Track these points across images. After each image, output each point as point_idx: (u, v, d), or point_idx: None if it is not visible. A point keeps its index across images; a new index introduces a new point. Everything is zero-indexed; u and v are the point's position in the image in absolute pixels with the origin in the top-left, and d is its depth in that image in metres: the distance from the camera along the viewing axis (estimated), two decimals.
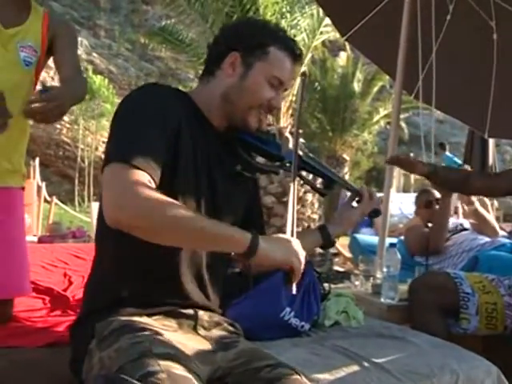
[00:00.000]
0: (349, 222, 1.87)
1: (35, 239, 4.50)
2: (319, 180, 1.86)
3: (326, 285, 2.27)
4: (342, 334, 2.08)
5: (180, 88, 1.64)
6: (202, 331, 1.46)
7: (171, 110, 1.42)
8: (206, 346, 1.42)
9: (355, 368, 1.75)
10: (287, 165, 1.62)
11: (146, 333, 1.32)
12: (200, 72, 1.64)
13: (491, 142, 6.38)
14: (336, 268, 7.23)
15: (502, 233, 4.08)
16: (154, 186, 1.30)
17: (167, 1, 7.71)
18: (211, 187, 1.50)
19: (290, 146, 1.68)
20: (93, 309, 1.45)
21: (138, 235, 1.28)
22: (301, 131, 7.98)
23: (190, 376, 1.22)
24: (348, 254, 6.48)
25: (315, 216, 7.28)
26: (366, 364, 1.78)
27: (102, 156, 1.46)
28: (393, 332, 2.12)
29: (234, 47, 1.52)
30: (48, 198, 7.89)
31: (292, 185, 1.55)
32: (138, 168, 1.28)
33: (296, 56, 1.57)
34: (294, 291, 1.46)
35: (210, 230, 1.31)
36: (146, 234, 1.29)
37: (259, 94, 1.53)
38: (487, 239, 3.53)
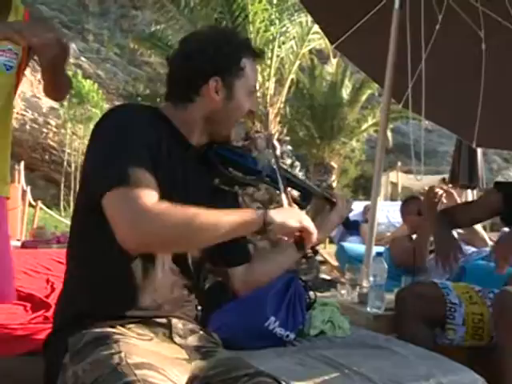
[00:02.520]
0: (327, 229, 1.86)
1: (18, 244, 4.44)
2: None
3: (311, 293, 2.25)
4: (328, 344, 2.07)
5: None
6: (177, 339, 1.45)
7: (149, 129, 1.43)
8: (183, 354, 1.42)
9: (340, 378, 1.74)
10: (265, 178, 1.63)
11: (121, 343, 1.31)
12: None
13: (479, 151, 6.40)
14: (322, 276, 7.21)
15: (488, 242, 4.08)
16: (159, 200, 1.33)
17: (157, 6, 7.72)
18: (190, 203, 1.45)
19: (267, 159, 1.70)
20: (65, 322, 1.44)
21: (165, 251, 1.39)
22: (288, 138, 7.95)
23: (164, 376, 1.23)
24: (334, 263, 6.47)
25: None
26: (350, 374, 1.76)
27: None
28: (378, 342, 2.11)
29: (212, 72, 1.51)
30: (33, 203, 7.84)
31: (283, 196, 1.60)
32: (143, 188, 1.30)
33: (261, 57, 1.63)
34: (309, 252, 1.62)
35: (227, 224, 1.36)
36: (176, 247, 1.38)
37: (244, 108, 1.57)
38: (473, 249, 3.52)
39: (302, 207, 1.83)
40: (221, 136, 1.58)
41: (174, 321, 1.47)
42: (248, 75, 1.54)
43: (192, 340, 1.48)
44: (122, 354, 1.26)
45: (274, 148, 6.95)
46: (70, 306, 1.46)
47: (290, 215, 1.50)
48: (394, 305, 2.63)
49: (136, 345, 1.33)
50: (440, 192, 3.34)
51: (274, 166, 1.62)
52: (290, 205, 1.58)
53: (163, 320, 1.46)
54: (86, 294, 1.44)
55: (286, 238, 1.62)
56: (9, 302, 2.20)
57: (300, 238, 1.55)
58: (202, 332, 1.54)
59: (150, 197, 1.30)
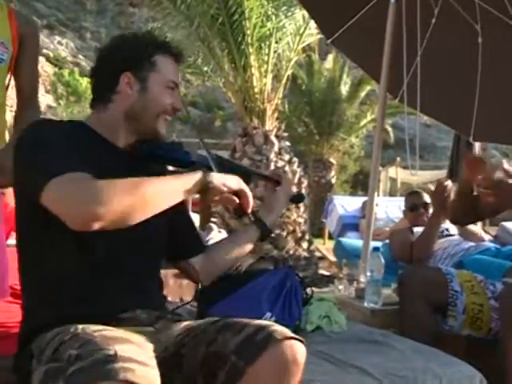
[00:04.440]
0: (278, 206, 1.94)
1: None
2: None
3: (308, 289, 2.24)
4: (324, 339, 2.06)
5: None
6: (143, 327, 1.47)
7: (71, 138, 1.48)
8: (148, 329, 1.46)
9: (336, 372, 1.74)
10: (201, 167, 1.64)
11: (80, 326, 1.34)
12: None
13: (477, 145, 6.39)
14: (321, 272, 7.22)
15: (487, 237, 4.08)
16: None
17: (153, 3, 7.69)
18: None
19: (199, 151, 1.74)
20: (28, 332, 1.48)
21: (113, 225, 1.33)
22: (286, 134, 7.94)
23: (126, 336, 1.28)
24: (333, 258, 6.48)
25: (301, 220, 7.27)
26: (347, 368, 1.76)
27: None
28: (375, 337, 2.10)
29: (123, 69, 1.58)
30: None
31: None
32: (78, 172, 1.34)
33: (177, 55, 1.67)
34: (250, 211, 1.68)
35: (170, 184, 1.46)
36: (127, 215, 1.35)
37: (162, 101, 1.61)
38: (471, 243, 3.51)
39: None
40: (146, 132, 1.62)
41: (138, 311, 1.50)
42: (161, 70, 1.60)
43: (160, 324, 1.51)
44: (80, 327, 1.31)
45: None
46: (30, 317, 1.52)
47: (228, 177, 1.59)
48: (391, 299, 2.63)
49: (96, 325, 1.36)
50: (450, 185, 3.34)
51: (205, 154, 1.66)
52: None
53: (127, 314, 1.47)
54: (45, 300, 1.48)
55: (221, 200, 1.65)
56: (2, 299, 2.20)
57: (239, 205, 1.63)
58: (168, 315, 1.59)
59: (87, 176, 1.34)
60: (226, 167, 1.73)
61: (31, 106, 2.22)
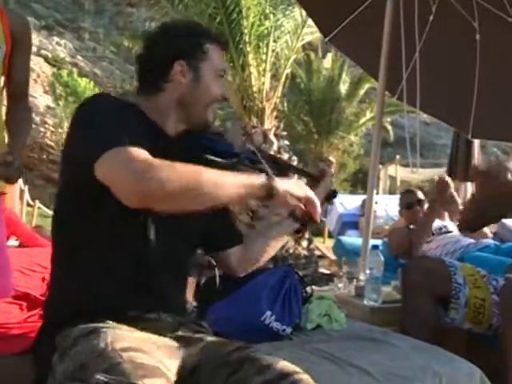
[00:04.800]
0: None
1: (16, 243, 4.43)
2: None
3: (308, 287, 2.24)
4: (324, 338, 2.06)
5: None
6: (168, 334, 1.45)
7: (130, 116, 1.46)
8: (171, 343, 1.42)
9: (336, 371, 1.74)
10: (244, 160, 1.63)
11: (109, 333, 1.31)
12: None
13: (476, 143, 6.38)
14: (321, 270, 7.22)
15: (489, 234, 4.09)
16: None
17: (151, 3, 7.69)
18: None
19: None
20: (53, 323, 1.44)
21: (166, 206, 1.28)
22: (286, 133, 7.89)
23: (157, 364, 1.23)
24: (333, 257, 6.47)
25: None
26: (347, 367, 1.76)
27: None
28: (375, 335, 2.10)
29: (175, 57, 1.54)
30: (31, 202, 7.83)
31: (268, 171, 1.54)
32: (138, 147, 1.29)
33: (224, 43, 1.65)
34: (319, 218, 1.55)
35: (232, 182, 1.34)
36: (180, 201, 1.30)
37: (214, 91, 1.59)
38: (471, 240, 3.52)
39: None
40: (196, 122, 1.59)
41: (163, 315, 1.47)
42: (213, 58, 1.58)
43: (182, 332, 1.49)
44: (109, 341, 1.27)
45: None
46: (57, 305, 1.48)
47: (295, 184, 1.48)
48: (390, 297, 2.63)
49: (123, 333, 1.33)
50: (449, 180, 3.36)
51: (251, 147, 1.64)
52: None
53: (153, 315, 1.46)
54: (74, 293, 1.44)
55: (284, 210, 1.61)
56: (6, 297, 2.20)
57: (305, 213, 1.52)
58: (191, 324, 1.55)
59: (147, 153, 1.29)
60: (269, 161, 1.67)
61: (23, 105, 2.20)
